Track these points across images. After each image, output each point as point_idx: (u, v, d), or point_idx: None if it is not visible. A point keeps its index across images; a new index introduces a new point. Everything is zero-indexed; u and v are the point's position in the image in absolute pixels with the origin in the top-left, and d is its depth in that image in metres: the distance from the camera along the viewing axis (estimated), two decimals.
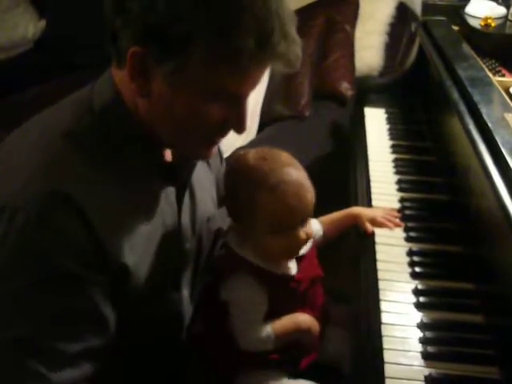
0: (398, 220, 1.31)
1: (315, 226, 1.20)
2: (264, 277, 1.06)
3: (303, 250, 1.11)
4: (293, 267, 1.11)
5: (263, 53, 0.83)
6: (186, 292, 1.09)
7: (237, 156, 1.11)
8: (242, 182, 1.06)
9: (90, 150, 0.92)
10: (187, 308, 1.10)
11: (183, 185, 1.05)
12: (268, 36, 0.82)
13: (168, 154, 1.03)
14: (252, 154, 1.08)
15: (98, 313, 0.90)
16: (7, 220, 0.84)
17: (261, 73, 0.88)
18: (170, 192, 1.02)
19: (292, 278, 1.09)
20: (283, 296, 1.07)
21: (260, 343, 1.06)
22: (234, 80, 0.86)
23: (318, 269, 1.16)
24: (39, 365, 0.84)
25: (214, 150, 0.99)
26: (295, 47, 0.86)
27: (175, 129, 0.92)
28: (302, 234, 1.06)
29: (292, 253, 1.10)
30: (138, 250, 0.95)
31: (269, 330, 1.06)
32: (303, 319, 1.10)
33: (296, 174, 1.06)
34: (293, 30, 0.85)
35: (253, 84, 0.89)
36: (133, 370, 1.03)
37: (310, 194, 1.06)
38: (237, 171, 1.08)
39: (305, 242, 1.08)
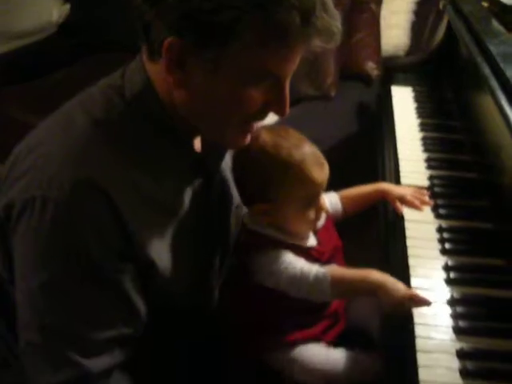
0: (426, 198, 1.30)
1: (333, 199, 1.24)
2: (290, 248, 1.07)
3: (320, 223, 1.13)
4: (312, 239, 1.13)
5: (308, 28, 0.82)
6: (214, 282, 1.09)
7: None
8: (264, 163, 1.05)
9: (120, 140, 0.90)
10: (213, 295, 1.11)
11: (212, 175, 1.05)
12: (311, 10, 0.81)
13: (197, 145, 1.02)
14: (266, 134, 1.07)
15: (129, 301, 0.91)
16: (39, 210, 0.84)
17: (302, 51, 0.87)
18: (198, 182, 1.01)
19: (314, 248, 1.11)
20: None
21: (321, 287, 1.03)
22: (278, 61, 0.85)
23: (337, 239, 1.18)
24: (73, 352, 0.86)
25: (250, 136, 0.97)
26: (336, 20, 0.85)
27: (215, 117, 0.90)
28: (323, 203, 1.10)
29: (315, 223, 1.11)
30: (166, 241, 0.95)
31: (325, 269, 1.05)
32: (375, 273, 1.02)
33: (312, 146, 1.09)
34: (331, 3, 0.85)
35: (294, 64, 0.88)
36: (157, 349, 1.04)
37: (326, 163, 1.09)
38: (256, 153, 1.06)
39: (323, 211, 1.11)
